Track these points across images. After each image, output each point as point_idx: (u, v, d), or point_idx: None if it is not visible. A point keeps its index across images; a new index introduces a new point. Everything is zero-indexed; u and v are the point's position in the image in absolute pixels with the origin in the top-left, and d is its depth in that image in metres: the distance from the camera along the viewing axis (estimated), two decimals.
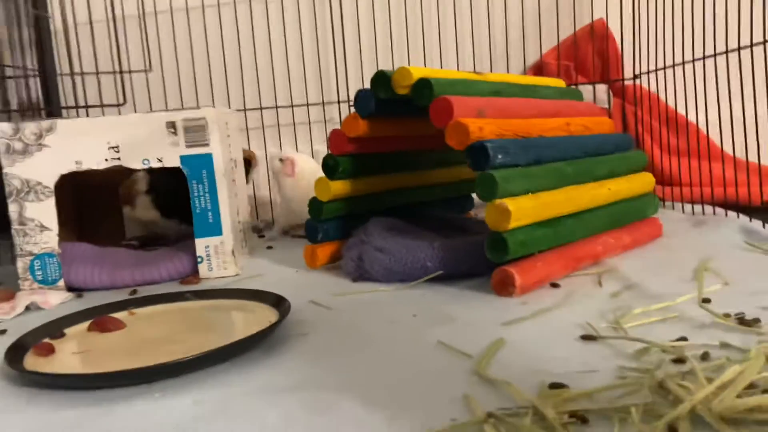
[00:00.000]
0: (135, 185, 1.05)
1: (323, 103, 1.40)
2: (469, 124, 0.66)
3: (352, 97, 1.36)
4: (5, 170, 0.82)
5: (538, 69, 1.32)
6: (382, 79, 0.75)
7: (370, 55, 1.37)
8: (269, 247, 1.08)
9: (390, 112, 0.82)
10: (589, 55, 1.29)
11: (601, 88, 1.27)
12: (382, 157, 0.91)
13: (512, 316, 0.58)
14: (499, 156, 0.66)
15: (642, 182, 0.90)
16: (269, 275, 0.86)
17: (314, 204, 0.85)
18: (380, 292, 0.72)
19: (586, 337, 0.51)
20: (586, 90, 1.24)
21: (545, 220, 0.70)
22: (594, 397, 0.39)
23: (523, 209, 0.66)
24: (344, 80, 1.37)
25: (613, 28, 1.29)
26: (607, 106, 1.26)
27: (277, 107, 1.39)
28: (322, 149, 1.40)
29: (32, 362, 0.53)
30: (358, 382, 0.46)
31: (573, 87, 1.08)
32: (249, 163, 1.17)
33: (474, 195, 1.19)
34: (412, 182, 0.98)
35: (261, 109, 1.39)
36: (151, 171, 1.02)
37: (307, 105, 1.40)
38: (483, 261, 0.70)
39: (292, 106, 1.39)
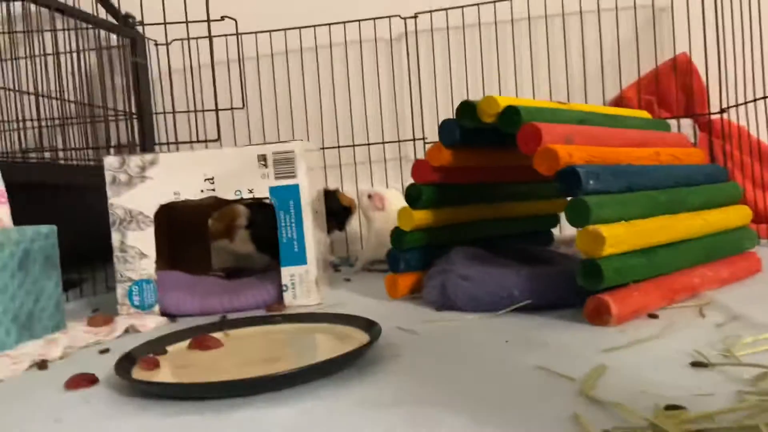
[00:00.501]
0: (236, 220, 1.10)
1: (398, 141, 1.43)
2: (558, 150, 0.66)
3: (426, 135, 1.39)
4: (110, 200, 0.87)
5: (618, 104, 1.31)
6: (467, 108, 0.76)
7: (444, 92, 1.40)
8: (347, 280, 1.09)
9: (474, 142, 0.83)
10: (672, 89, 1.26)
11: (686, 123, 1.24)
12: (465, 187, 0.91)
13: (611, 343, 0.56)
14: (591, 181, 0.65)
15: (738, 214, 0.86)
16: (351, 304, 0.86)
17: (397, 234, 0.86)
18: (466, 320, 0.71)
19: (697, 364, 0.49)
20: (670, 125, 1.21)
21: (640, 249, 0.68)
22: (716, 419, 0.37)
23: (617, 236, 0.64)
24: (419, 118, 1.40)
25: (697, 61, 1.26)
26: (692, 141, 1.22)
27: (354, 145, 1.43)
28: (397, 186, 1.42)
29: (138, 375, 0.55)
30: (458, 399, 0.45)
31: (660, 119, 1.05)
32: (349, 210, 1.20)
33: (554, 230, 1.17)
34: (493, 214, 0.98)
35: (339, 147, 1.43)
36: (250, 207, 1.07)
37: (383, 143, 1.43)
38: (572, 291, 0.69)
39: (368, 144, 1.43)
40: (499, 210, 0.98)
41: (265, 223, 0.88)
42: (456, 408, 0.43)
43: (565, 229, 1.22)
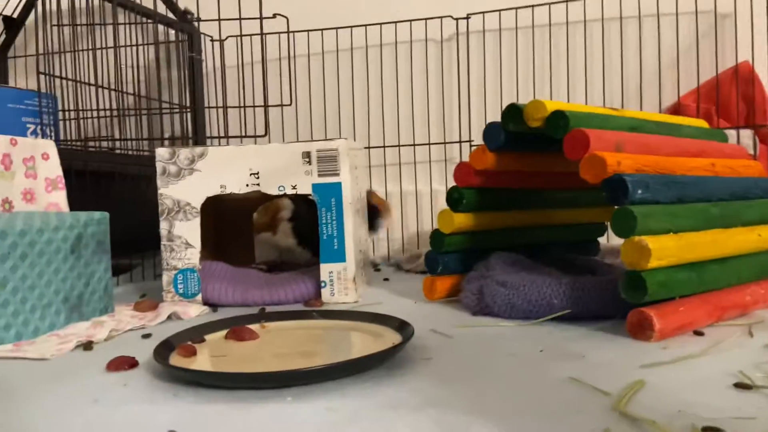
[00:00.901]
0: (279, 212, 1.12)
1: (444, 142, 1.42)
2: (606, 157, 0.64)
3: (473, 138, 1.37)
4: (160, 191, 0.90)
5: (675, 112, 1.26)
6: (513, 111, 0.75)
7: (494, 95, 1.38)
8: (386, 279, 1.09)
9: (518, 147, 0.81)
10: (733, 98, 1.21)
11: (746, 134, 1.18)
12: (508, 192, 0.90)
13: (652, 359, 0.54)
14: (639, 191, 0.63)
15: None
16: (388, 304, 0.86)
17: (436, 236, 0.86)
18: (503, 326, 0.70)
19: (740, 386, 0.46)
20: (729, 135, 1.16)
21: (688, 263, 0.66)
22: None
23: (664, 248, 0.62)
24: (467, 120, 1.38)
25: (760, 70, 1.20)
26: (752, 152, 1.17)
27: (399, 145, 1.43)
28: (441, 189, 1.41)
29: (176, 361, 0.57)
30: (487, 408, 0.44)
31: (717, 129, 1.01)
32: (377, 210, 1.19)
33: (600, 240, 1.14)
34: (537, 221, 0.96)
35: (384, 147, 1.43)
36: (295, 201, 1.08)
37: (429, 144, 1.42)
38: (614, 302, 0.67)
39: (414, 144, 1.42)
40: (542, 217, 0.96)
41: (308, 218, 0.89)
42: (484, 416, 0.43)
43: (612, 239, 1.19)
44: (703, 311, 0.65)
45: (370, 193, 1.18)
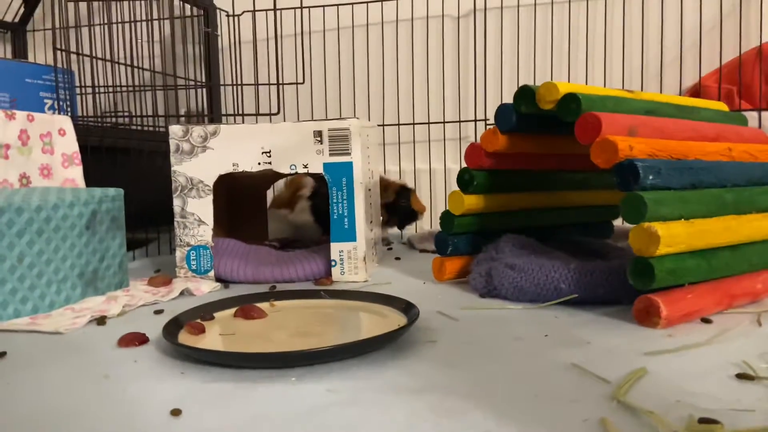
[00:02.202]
0: (301, 190, 1.12)
1: (459, 121, 1.41)
2: (618, 142, 0.63)
3: (489, 116, 1.36)
4: (173, 168, 0.91)
5: (696, 92, 1.23)
6: (526, 93, 0.74)
7: (511, 73, 1.36)
8: (397, 258, 1.10)
9: (531, 128, 0.80)
10: (756, 79, 1.18)
11: None
12: (519, 174, 0.89)
13: (656, 347, 0.54)
14: (650, 176, 0.62)
15: None
16: (397, 284, 0.87)
17: (446, 217, 0.85)
18: (509, 309, 0.70)
19: (742, 376, 0.46)
20: (751, 117, 1.14)
21: (699, 250, 0.65)
22: None
23: (674, 235, 0.61)
24: (483, 99, 1.37)
25: None
26: None
27: (414, 123, 1.42)
28: (455, 167, 1.41)
29: (185, 339, 0.58)
30: (486, 393, 0.45)
31: (737, 113, 0.99)
32: (415, 215, 1.17)
33: (615, 222, 1.13)
34: (549, 203, 0.95)
35: (399, 125, 1.43)
36: (316, 179, 1.09)
37: (444, 122, 1.41)
38: (623, 288, 0.66)
39: (428, 123, 1.41)
40: (554, 199, 0.96)
41: (327, 197, 0.89)
42: (482, 400, 0.43)
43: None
44: (712, 299, 0.65)
45: (412, 194, 1.17)
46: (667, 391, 0.44)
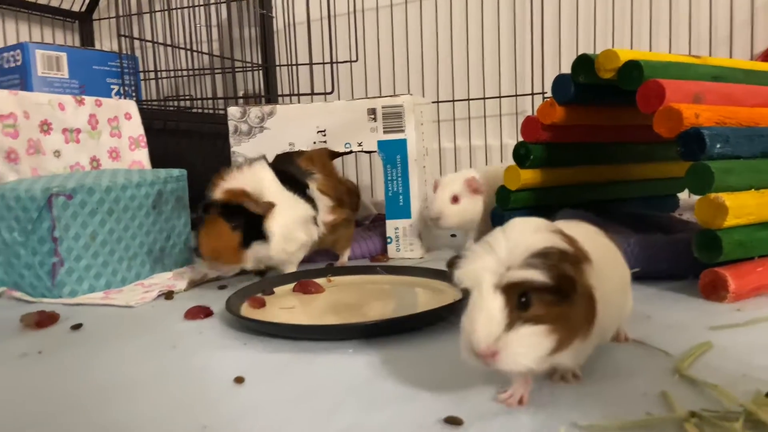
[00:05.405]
0: None
1: (516, 95, 1.38)
2: (683, 110, 0.61)
3: (547, 90, 1.32)
4: (233, 148, 0.94)
5: None
6: (584, 62, 0.72)
7: (569, 44, 1.32)
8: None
9: (590, 99, 0.78)
10: None
11: None
12: (578, 147, 0.87)
13: (723, 321, 0.52)
14: (718, 145, 0.59)
15: None
16: None
17: (502, 192, 0.84)
18: None
19: None
20: None
21: None
22: None
23: (743, 206, 0.58)
24: (540, 72, 1.33)
25: None
26: None
27: (469, 99, 1.40)
28: (512, 143, 1.38)
29: (247, 312, 0.60)
30: None
31: None
32: None
33: (680, 195, 1.08)
34: (610, 176, 0.93)
35: (453, 101, 1.41)
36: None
37: (500, 97, 1.38)
38: (687, 261, 0.64)
39: (484, 98, 1.39)
40: (615, 172, 0.93)
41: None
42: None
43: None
44: None
45: None
46: (733, 365, 0.43)
